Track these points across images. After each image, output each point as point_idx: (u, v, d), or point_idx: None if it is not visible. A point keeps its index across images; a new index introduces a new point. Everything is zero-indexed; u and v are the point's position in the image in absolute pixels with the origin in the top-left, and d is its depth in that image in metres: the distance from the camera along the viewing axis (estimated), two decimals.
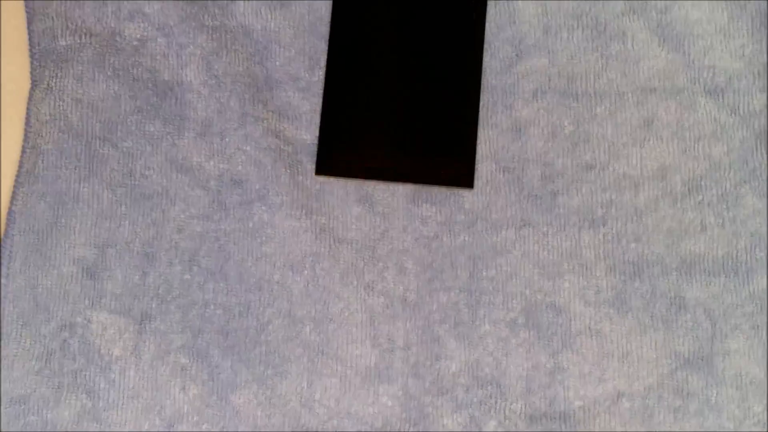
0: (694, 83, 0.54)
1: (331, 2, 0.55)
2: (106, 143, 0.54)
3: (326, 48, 0.55)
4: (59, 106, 0.54)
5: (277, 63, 0.55)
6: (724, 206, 0.52)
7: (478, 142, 0.54)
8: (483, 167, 0.54)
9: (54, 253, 0.53)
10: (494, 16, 0.55)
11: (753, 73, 0.53)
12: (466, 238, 0.53)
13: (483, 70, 0.54)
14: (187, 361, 0.52)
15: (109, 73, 0.54)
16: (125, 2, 0.55)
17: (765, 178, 0.53)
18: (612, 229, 0.52)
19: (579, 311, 0.52)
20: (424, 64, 0.54)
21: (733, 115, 0.53)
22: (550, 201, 0.53)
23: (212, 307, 0.53)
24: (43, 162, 0.54)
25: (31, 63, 0.54)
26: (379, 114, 0.54)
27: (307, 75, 0.54)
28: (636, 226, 0.52)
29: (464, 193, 0.53)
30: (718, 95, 0.53)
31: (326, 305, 0.53)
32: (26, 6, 0.55)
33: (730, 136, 0.53)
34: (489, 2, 0.55)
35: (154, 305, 0.53)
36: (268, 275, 0.53)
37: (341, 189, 0.54)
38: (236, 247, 0.53)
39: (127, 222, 0.53)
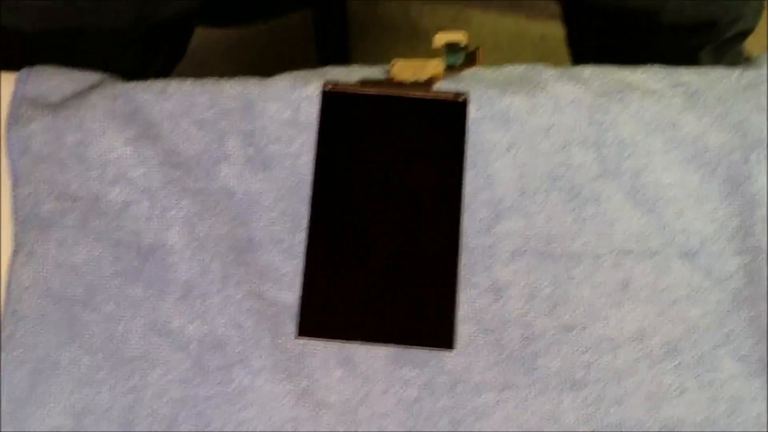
0: (669, 246, 0.55)
1: (312, 165, 0.56)
2: (87, 308, 0.54)
3: (308, 210, 0.56)
4: (41, 271, 0.54)
5: (260, 225, 0.55)
6: (702, 369, 0.53)
7: (458, 303, 0.54)
8: (463, 328, 0.54)
9: (30, 423, 0.52)
10: (472, 179, 0.56)
11: (725, 237, 0.55)
12: (447, 402, 0.53)
13: (462, 231, 0.55)
14: None
15: (91, 237, 0.55)
16: (109, 167, 0.56)
17: (741, 341, 0.53)
18: (592, 392, 0.53)
19: None
20: (405, 226, 0.55)
21: (707, 278, 0.54)
22: (531, 363, 0.53)
23: None
24: (23, 328, 0.53)
25: (15, 228, 0.55)
26: (360, 276, 0.55)
27: (289, 237, 0.55)
28: (616, 389, 0.53)
29: (445, 354, 0.54)
30: (692, 258, 0.55)
31: None
32: (12, 171, 0.56)
33: (705, 299, 0.54)
34: (466, 166, 0.56)
35: None
36: None
37: (323, 351, 0.54)
38: (216, 413, 0.53)
39: (106, 388, 0.53)
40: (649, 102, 0.57)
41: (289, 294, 0.55)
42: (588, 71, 0.58)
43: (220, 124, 0.57)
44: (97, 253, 0.55)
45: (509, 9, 1.48)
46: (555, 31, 0.94)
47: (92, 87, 0.58)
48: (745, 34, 0.82)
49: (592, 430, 0.52)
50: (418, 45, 1.40)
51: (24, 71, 0.58)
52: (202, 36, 1.31)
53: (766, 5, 0.83)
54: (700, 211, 0.55)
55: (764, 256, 0.54)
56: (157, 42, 0.74)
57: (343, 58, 1.22)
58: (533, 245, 0.55)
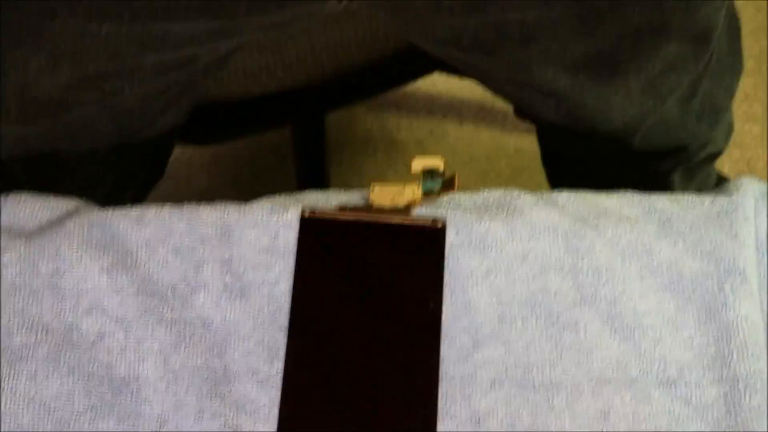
0: (647, 375, 0.55)
1: (290, 292, 0.56)
2: None
3: (285, 339, 0.55)
4: (10, 407, 0.53)
5: (236, 355, 0.55)
6: None
7: None
8: None
9: None
10: (450, 306, 0.56)
11: (703, 365, 0.55)
12: None
13: (440, 359, 0.55)
14: None
15: (63, 370, 0.54)
16: (84, 297, 0.55)
17: None
18: None
19: None
20: (383, 354, 0.55)
21: (686, 407, 0.54)
22: None
23: None
24: None
25: None
26: (337, 406, 0.54)
27: (265, 367, 0.55)
28: None
29: None
30: (670, 387, 0.54)
31: None
32: None
33: (686, 428, 0.54)
34: (444, 292, 0.56)
35: None
36: None
37: None
38: None
39: None
40: (624, 228, 0.57)
41: (266, 426, 0.54)
42: (563, 196, 0.59)
43: (198, 251, 0.57)
44: (68, 386, 0.54)
45: (485, 123, 1.51)
46: (530, 144, 0.96)
47: (68, 214, 0.58)
48: (715, 156, 0.84)
49: None
50: (395, 158, 1.42)
51: (1, 197, 0.58)
52: (178, 149, 1.32)
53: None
54: (677, 338, 0.55)
55: (742, 385, 0.54)
56: (137, 163, 0.75)
57: (321, 172, 1.24)
58: (512, 374, 0.55)
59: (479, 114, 1.50)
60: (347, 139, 1.46)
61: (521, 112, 0.83)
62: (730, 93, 0.80)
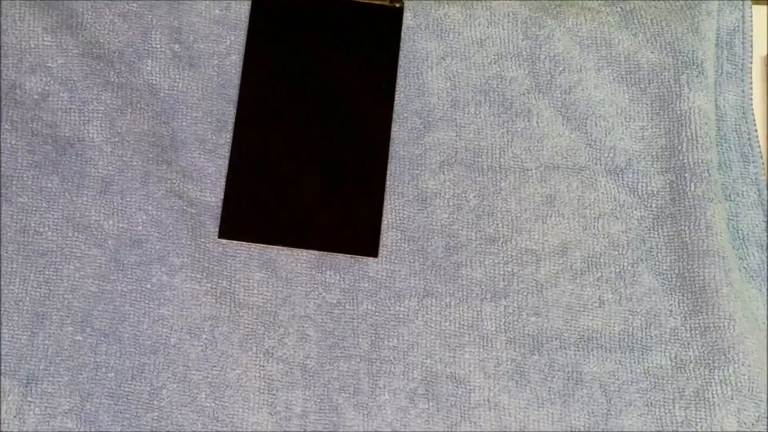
0: (596, 162, 0.55)
1: (241, 65, 0.55)
2: None
3: (234, 111, 0.54)
4: None
5: (184, 123, 0.54)
6: (622, 283, 0.53)
7: (384, 211, 0.54)
8: (388, 236, 0.54)
9: None
10: (404, 88, 0.55)
11: (652, 155, 0.55)
12: (369, 307, 0.53)
13: (391, 139, 0.55)
14: (74, 425, 0.50)
15: (6, 126, 0.52)
16: (27, 55, 0.53)
17: (661, 257, 0.54)
18: (513, 302, 0.53)
19: (478, 383, 0.52)
20: (333, 132, 0.54)
21: (632, 194, 0.55)
22: (453, 272, 0.53)
23: (104, 370, 0.51)
24: None
25: None
26: (284, 180, 0.54)
27: (213, 137, 0.54)
28: (536, 300, 0.53)
29: (368, 261, 0.53)
30: (618, 175, 0.55)
31: (223, 370, 0.51)
32: None
33: (628, 215, 0.54)
34: (399, 74, 0.55)
35: (41, 367, 0.50)
36: (164, 338, 0.51)
37: (244, 253, 0.53)
38: (132, 309, 0.51)
39: (17, 280, 0.51)
40: (585, 18, 0.56)
41: (212, 195, 0.53)
42: None
43: (146, 17, 0.55)
44: (11, 143, 0.52)
45: None
46: None
47: None
48: None
49: (510, 339, 0.52)
50: None
51: None
52: None
53: None
54: (628, 128, 0.55)
55: (688, 174, 0.54)
56: None
57: None
58: (462, 156, 0.55)
59: None
60: None
61: None
62: None
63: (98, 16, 0.54)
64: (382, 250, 0.53)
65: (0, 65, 0.53)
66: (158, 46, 0.54)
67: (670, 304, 0.53)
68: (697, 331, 0.53)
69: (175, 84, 0.54)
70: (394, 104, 0.55)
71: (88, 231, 0.52)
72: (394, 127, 0.55)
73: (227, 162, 0.54)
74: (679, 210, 0.54)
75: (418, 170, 0.54)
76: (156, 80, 0.54)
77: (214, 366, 0.51)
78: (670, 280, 0.54)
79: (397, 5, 0.56)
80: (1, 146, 0.52)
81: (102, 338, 0.51)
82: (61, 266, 0.52)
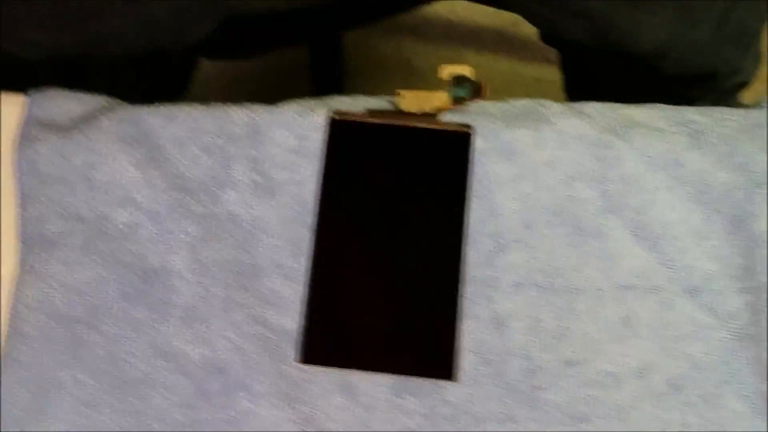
0: (672, 283, 0.55)
1: (318, 193, 0.56)
2: (90, 329, 0.53)
3: (312, 237, 0.56)
4: (45, 291, 0.54)
5: (263, 251, 0.55)
6: (706, 407, 0.53)
7: (460, 333, 0.54)
8: (465, 359, 0.54)
9: None
10: (475, 210, 0.56)
11: (729, 275, 0.55)
12: None
13: (464, 261, 0.56)
14: None
15: (96, 259, 0.55)
16: (116, 189, 0.56)
17: (745, 380, 0.53)
18: (595, 427, 0.53)
19: None
20: (407, 255, 0.55)
21: (711, 315, 0.55)
22: (533, 396, 0.53)
23: None
24: (25, 347, 0.53)
25: (20, 248, 0.55)
26: (361, 304, 0.55)
27: (292, 263, 0.55)
28: (619, 424, 0.53)
29: (447, 385, 0.54)
30: (695, 295, 0.55)
31: None
32: (18, 191, 0.56)
33: (708, 337, 0.54)
34: (470, 196, 0.57)
35: None
36: None
37: (324, 378, 0.54)
38: None
39: (107, 410, 0.52)
40: (654, 139, 0.57)
41: (291, 320, 0.54)
42: (592, 107, 0.59)
43: (227, 149, 0.57)
44: (101, 274, 0.54)
45: (503, 51, 1.49)
46: (549, 74, 0.95)
47: (100, 110, 0.58)
48: (742, 86, 0.83)
49: None
50: (412, 84, 1.41)
51: (34, 92, 0.58)
52: (198, 72, 1.31)
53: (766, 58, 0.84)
54: (703, 248, 0.56)
55: (766, 295, 0.54)
56: (164, 75, 0.75)
57: (338, 94, 1.23)
58: (536, 278, 0.55)
59: (498, 42, 1.49)
60: (363, 65, 1.45)
61: (548, 38, 0.83)
62: (761, 23, 0.80)
63: (182, 150, 0.57)
64: (460, 374, 0.54)
65: (91, 200, 0.55)
66: (239, 177, 0.56)
67: (758, 428, 0.53)
68: None
69: (255, 212, 0.56)
70: (467, 226, 0.56)
71: (174, 359, 0.53)
72: (468, 250, 0.56)
73: (306, 287, 0.55)
74: (759, 331, 0.54)
75: (492, 292, 0.55)
76: (237, 209, 0.56)
77: None
78: (755, 403, 0.53)
79: (467, 130, 0.57)
80: (93, 278, 0.54)
81: None
82: (149, 395, 0.53)
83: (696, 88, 0.77)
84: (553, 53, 0.84)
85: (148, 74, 0.72)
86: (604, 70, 0.79)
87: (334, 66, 1.36)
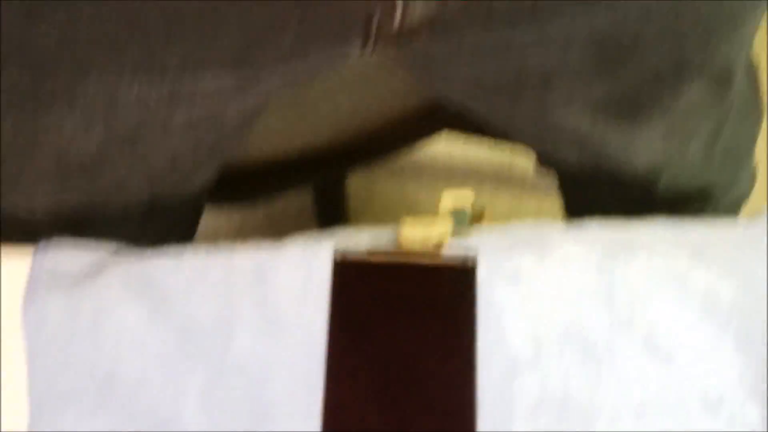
0: (688, 399, 0.54)
1: (326, 329, 0.56)
2: None
3: (323, 373, 0.55)
4: None
5: (275, 392, 0.55)
6: None
7: None
8: None
9: None
10: (484, 338, 0.56)
11: (745, 387, 0.54)
12: None
13: (477, 389, 0.55)
14: None
15: (109, 412, 0.54)
16: (124, 341, 0.56)
17: None
18: None
19: None
20: (419, 391, 0.55)
21: (731, 427, 0.54)
22: None
23: None
24: None
25: (30, 407, 0.55)
26: None
27: (305, 400, 0.55)
28: None
29: None
30: (713, 410, 0.54)
31: None
32: (27, 349, 0.56)
33: None
34: (478, 326, 0.57)
35: None
36: None
37: None
38: None
39: None
40: (656, 257, 0.58)
41: None
42: (594, 226, 0.60)
43: (233, 292, 0.57)
44: (114, 426, 0.54)
45: (504, 186, 1.52)
46: (550, 205, 0.96)
47: (107, 260, 0.59)
48: (739, 202, 0.84)
49: None
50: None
51: (42, 243, 0.59)
52: (202, 223, 1.33)
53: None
54: (716, 362, 0.55)
55: None
56: (168, 226, 0.76)
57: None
58: (550, 403, 0.55)
59: (498, 178, 1.52)
60: (367, 206, 1.47)
61: (543, 162, 0.84)
62: (752, 138, 0.81)
63: (188, 296, 0.57)
64: None
65: (98, 352, 0.56)
66: (246, 319, 0.57)
67: None
68: None
69: (265, 355, 0.56)
70: (478, 354, 0.56)
71: None
72: (481, 376, 0.55)
73: (320, 423, 0.54)
74: None
75: (508, 419, 0.54)
76: (246, 353, 0.56)
77: None
78: None
79: (470, 264, 0.58)
80: (105, 430, 0.54)
81: None
82: None
83: (691, 208, 0.78)
84: (552, 185, 0.85)
85: (151, 226, 0.73)
86: (600, 193, 0.80)
87: (338, 209, 1.38)
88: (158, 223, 0.73)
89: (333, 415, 0.54)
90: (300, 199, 1.33)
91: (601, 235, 0.59)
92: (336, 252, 0.58)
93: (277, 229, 1.45)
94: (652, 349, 0.55)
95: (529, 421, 0.54)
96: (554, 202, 0.89)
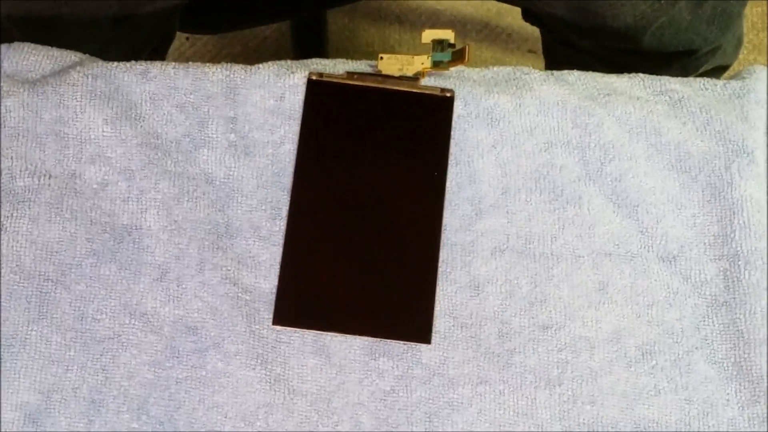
0: (648, 250, 0.55)
1: (295, 154, 0.56)
2: (58, 286, 0.53)
3: (288, 199, 0.55)
4: (12, 247, 0.53)
5: (239, 211, 0.55)
6: (677, 372, 0.53)
7: (436, 297, 0.54)
8: (440, 323, 0.54)
9: None
10: (455, 175, 0.56)
11: (704, 243, 0.55)
12: (423, 394, 0.52)
13: (443, 226, 0.55)
14: None
15: (66, 216, 0.54)
16: (88, 146, 0.55)
17: (716, 345, 0.53)
18: (567, 390, 0.52)
19: None
20: (385, 219, 0.55)
21: (685, 282, 0.54)
22: (507, 359, 0.53)
23: None
24: None
25: None
26: (338, 266, 0.54)
27: (268, 224, 0.55)
28: (591, 388, 0.53)
29: (421, 347, 0.53)
30: (670, 262, 0.55)
31: None
32: None
33: (682, 303, 0.54)
34: (450, 162, 0.56)
35: None
36: (219, 426, 0.51)
37: (298, 339, 0.53)
38: (187, 396, 0.52)
39: (75, 367, 0.52)
40: (634, 107, 0.57)
41: (266, 281, 0.54)
42: (574, 75, 0.59)
43: (203, 108, 0.56)
44: (71, 231, 0.54)
45: (487, 41, 1.49)
46: (533, 63, 0.95)
47: (72, 65, 0.57)
48: (723, 69, 0.83)
49: (565, 427, 0.52)
50: None
51: (3, 46, 0.57)
52: (177, 50, 1.30)
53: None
54: (680, 216, 0.56)
55: (742, 262, 0.54)
56: (138, 43, 0.74)
57: None
58: (513, 243, 0.55)
59: (482, 32, 1.49)
60: (348, 51, 1.44)
61: (529, 15, 0.82)
62: (741, 1, 0.79)
63: (156, 108, 0.56)
64: (435, 337, 0.53)
65: (60, 155, 0.55)
66: (214, 136, 0.56)
67: (727, 394, 0.53)
68: (755, 421, 0.52)
69: (231, 172, 0.55)
70: (446, 192, 0.56)
71: (145, 318, 0.53)
72: (446, 214, 0.55)
73: (281, 249, 0.54)
74: (733, 298, 0.54)
75: (470, 257, 0.55)
76: (212, 169, 0.55)
77: None
78: (726, 368, 0.53)
79: (448, 95, 0.57)
80: (61, 235, 0.53)
81: (157, 425, 0.51)
82: (118, 353, 0.52)
83: (675, 66, 0.77)
84: (536, 43, 0.83)
85: (120, 40, 0.71)
86: (584, 48, 0.78)
87: (318, 50, 1.35)
88: (127, 36, 0.71)
89: (295, 240, 0.54)
90: (278, 35, 1.30)
91: (580, 83, 0.58)
92: (312, 72, 0.57)
93: (251, 62, 1.42)
94: (618, 199, 0.56)
95: (489, 261, 0.55)
96: (538, 60, 0.87)
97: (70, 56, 0.58)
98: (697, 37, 0.76)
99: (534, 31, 0.83)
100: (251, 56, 1.41)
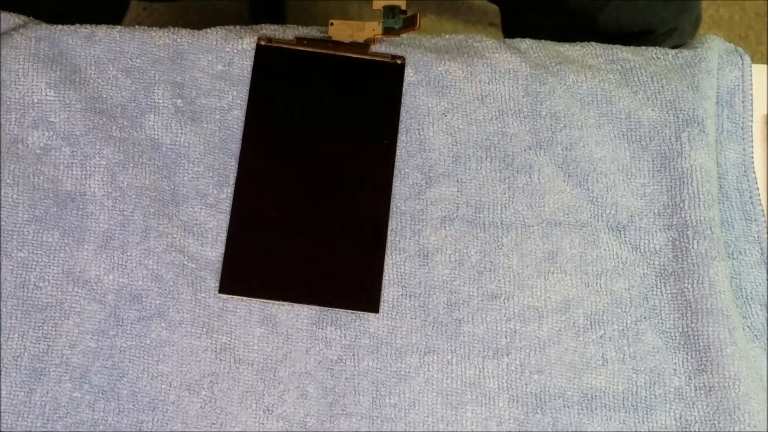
0: (597, 219, 0.55)
1: (243, 120, 0.55)
2: None
3: (236, 166, 0.54)
4: None
5: (185, 178, 0.54)
6: (625, 341, 0.53)
7: (385, 266, 0.53)
8: (389, 292, 0.53)
9: None
10: (405, 143, 0.55)
11: (654, 212, 0.55)
12: (370, 363, 0.52)
13: (392, 194, 0.55)
14: None
15: (8, 181, 0.52)
16: (30, 110, 0.53)
17: (664, 315, 0.54)
18: (515, 359, 0.52)
19: None
20: (334, 187, 0.54)
21: (634, 252, 0.54)
22: (455, 329, 0.53)
23: (101, 427, 0.50)
24: None
25: None
26: (285, 235, 0.53)
27: (215, 191, 0.54)
28: (539, 357, 0.52)
29: (369, 317, 0.53)
30: (620, 232, 0.55)
31: (222, 428, 0.51)
32: None
33: (631, 273, 0.54)
34: (400, 129, 0.56)
35: (39, 424, 0.50)
36: (163, 395, 0.51)
37: (244, 308, 0.52)
38: (131, 365, 0.51)
39: (15, 335, 0.51)
40: (585, 76, 0.57)
41: (212, 250, 0.53)
42: (526, 43, 0.58)
43: (149, 73, 0.55)
44: (12, 197, 0.52)
45: (447, 15, 1.48)
46: (492, 37, 0.94)
47: (15, 27, 0.56)
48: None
49: (513, 397, 0.52)
50: None
51: None
52: (134, 20, 1.28)
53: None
54: (630, 186, 0.55)
55: (691, 232, 0.54)
56: (92, 6, 0.72)
57: None
58: (463, 212, 0.55)
59: (442, 6, 1.48)
60: (306, 22, 1.43)
61: None
62: None
63: (101, 72, 0.55)
64: (383, 306, 0.53)
65: (1, 120, 0.53)
66: (161, 101, 0.55)
67: (674, 363, 0.53)
68: (701, 391, 0.52)
69: (177, 139, 0.54)
70: (396, 160, 0.55)
71: (88, 286, 0.52)
72: (396, 183, 0.55)
73: (228, 217, 0.54)
74: (681, 268, 0.54)
75: (419, 226, 0.54)
76: (158, 135, 0.54)
77: (213, 423, 0.50)
78: (673, 338, 0.53)
79: (399, 62, 0.56)
80: (2, 201, 0.52)
81: (100, 395, 0.50)
82: (60, 321, 0.51)
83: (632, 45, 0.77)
84: (497, 17, 0.83)
85: (72, 5, 0.69)
86: (542, 27, 0.78)
87: (276, 22, 1.34)
88: (79, 2, 0.70)
89: (242, 208, 0.54)
90: (237, 5, 1.29)
91: (532, 51, 0.58)
92: (261, 37, 0.56)
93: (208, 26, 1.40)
94: (569, 168, 0.55)
95: (438, 230, 0.54)
96: (498, 33, 0.86)
97: (14, 19, 0.57)
98: (653, 18, 0.75)
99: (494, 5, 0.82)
100: (209, 26, 1.39)
